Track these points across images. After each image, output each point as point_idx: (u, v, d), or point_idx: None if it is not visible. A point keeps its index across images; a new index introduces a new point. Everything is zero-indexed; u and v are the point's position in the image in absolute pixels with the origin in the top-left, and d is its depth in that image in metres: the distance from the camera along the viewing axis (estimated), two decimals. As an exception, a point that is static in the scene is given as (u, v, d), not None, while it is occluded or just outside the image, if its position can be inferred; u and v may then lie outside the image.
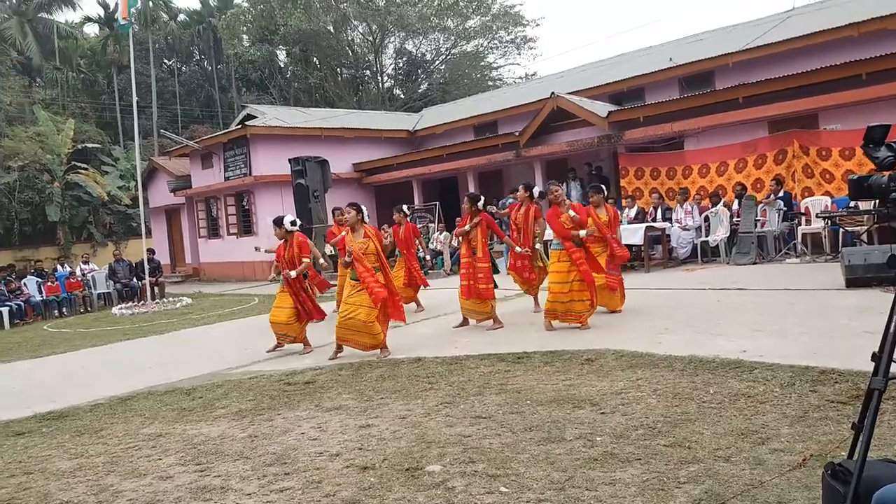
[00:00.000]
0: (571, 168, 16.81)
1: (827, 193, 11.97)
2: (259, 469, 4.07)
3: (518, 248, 8.71)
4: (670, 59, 16.81)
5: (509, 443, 4.06)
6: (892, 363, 2.38)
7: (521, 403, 4.84)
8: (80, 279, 17.46)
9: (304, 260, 7.95)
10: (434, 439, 4.26)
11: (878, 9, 13.62)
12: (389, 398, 5.39)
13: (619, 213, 8.94)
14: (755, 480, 3.21)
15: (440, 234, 16.65)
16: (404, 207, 10.75)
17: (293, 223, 8.26)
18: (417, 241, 10.58)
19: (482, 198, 8.48)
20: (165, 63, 43.40)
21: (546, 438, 4.07)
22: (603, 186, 8.98)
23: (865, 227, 10.50)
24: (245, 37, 41.36)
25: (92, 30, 43.22)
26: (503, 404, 4.86)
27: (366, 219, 7.39)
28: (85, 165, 30.11)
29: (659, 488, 3.25)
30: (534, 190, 9.03)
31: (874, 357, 2.46)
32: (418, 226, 17.45)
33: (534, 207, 8.89)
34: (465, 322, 8.56)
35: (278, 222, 8.18)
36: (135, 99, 16.83)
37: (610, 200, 14.24)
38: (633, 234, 12.42)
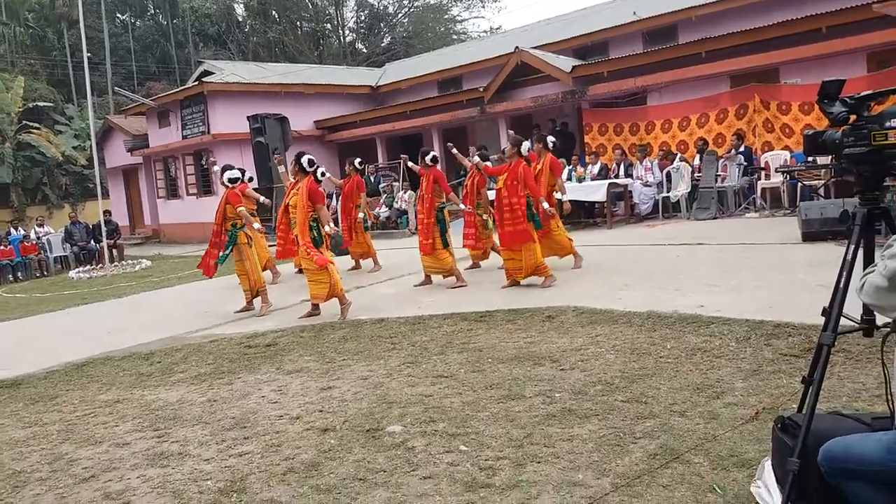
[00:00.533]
0: (536, 124, 16.74)
1: (786, 148, 12.09)
2: (218, 434, 4.03)
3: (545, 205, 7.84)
4: (634, 13, 16.67)
5: (470, 401, 4.08)
6: (842, 318, 2.41)
7: (483, 362, 4.85)
8: (35, 242, 17.01)
9: (239, 209, 8.00)
10: (395, 400, 4.26)
11: (839, -38, 13.64)
12: (351, 359, 5.37)
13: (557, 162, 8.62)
14: (709, 434, 3.27)
15: (404, 192, 16.52)
16: (356, 161, 10.68)
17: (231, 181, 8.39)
18: (360, 197, 10.45)
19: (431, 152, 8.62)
20: (119, 18, 41.82)
21: (506, 396, 4.09)
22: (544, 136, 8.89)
23: (823, 182, 10.66)
24: (201, -11, 40.09)
25: (39, -18, 41.42)
26: (465, 363, 4.87)
27: (308, 171, 7.27)
28: (37, 125, 29.12)
29: (615, 444, 3.29)
30: (547, 139, 8.55)
31: (824, 312, 2.48)
32: (382, 184, 17.33)
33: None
34: (427, 280, 8.56)
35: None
36: (86, 55, 16.20)
37: (574, 157, 14.41)
38: (595, 191, 12.49)
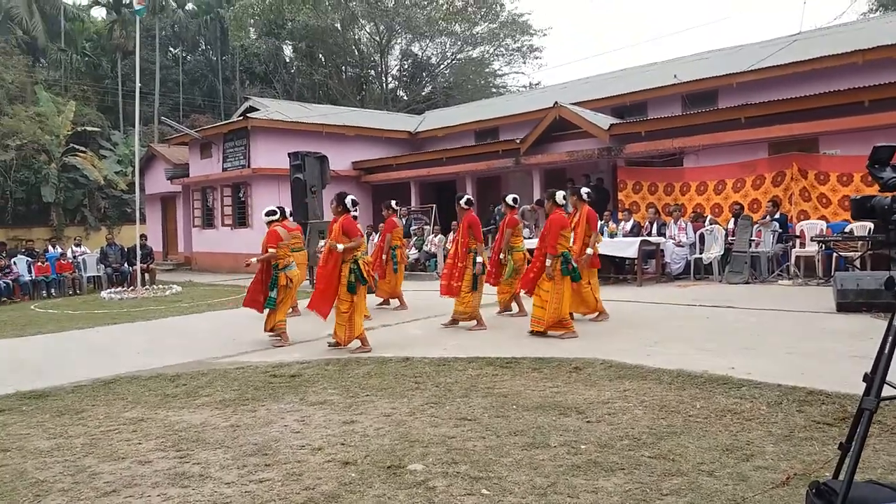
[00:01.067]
0: (570, 178, 16.81)
1: (823, 218, 11.99)
2: (239, 458, 4.02)
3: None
4: (674, 76, 16.84)
5: (493, 446, 4.03)
6: (884, 385, 2.36)
7: (507, 408, 4.80)
8: (70, 261, 17.35)
9: (270, 250, 8.07)
10: (418, 438, 4.23)
11: (882, 37, 13.70)
12: (375, 396, 5.35)
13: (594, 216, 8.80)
14: (738, 496, 3.19)
15: (435, 236, 16.61)
16: (392, 203, 10.85)
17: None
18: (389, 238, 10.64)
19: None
20: (171, 51, 43.33)
21: (530, 444, 4.04)
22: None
23: (859, 253, 10.52)
24: (252, 29, 41.31)
25: (99, 13, 43.18)
26: (489, 408, 4.83)
27: (349, 209, 7.50)
28: (83, 148, 30.00)
29: (641, 499, 3.22)
30: (582, 191, 8.58)
31: (866, 378, 2.44)
32: (413, 226, 17.45)
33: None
34: (454, 321, 8.61)
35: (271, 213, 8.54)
36: (138, 85, 16.76)
37: (606, 213, 14.42)
38: (627, 248, 12.43)
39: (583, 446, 3.96)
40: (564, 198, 7.97)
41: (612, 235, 12.95)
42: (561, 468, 3.64)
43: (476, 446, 4.04)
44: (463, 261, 8.45)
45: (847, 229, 11.23)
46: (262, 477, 3.72)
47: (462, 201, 8.71)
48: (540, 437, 4.15)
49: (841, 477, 2.49)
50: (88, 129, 31.78)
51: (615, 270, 13.13)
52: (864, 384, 2.43)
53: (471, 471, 3.66)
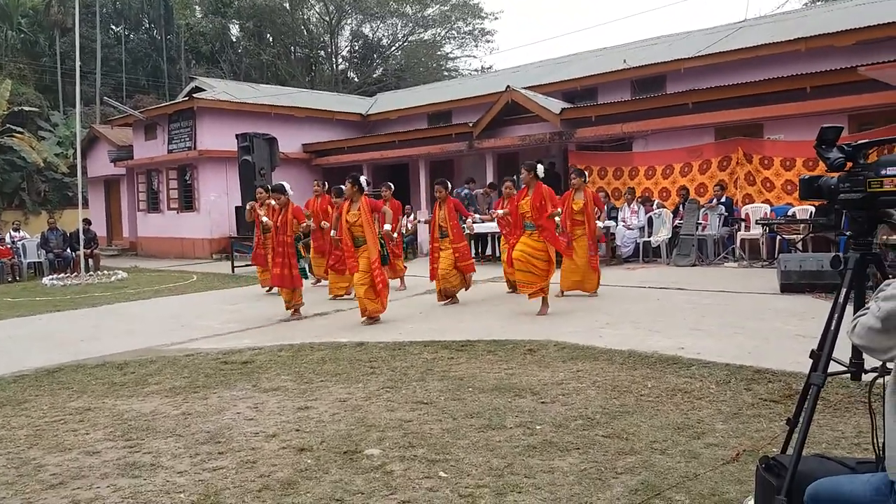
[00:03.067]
0: (523, 162, 16.87)
1: (767, 201, 12.32)
2: (192, 447, 3.95)
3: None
4: (624, 61, 17.02)
5: (450, 429, 4.04)
6: (830, 361, 2.43)
7: (463, 390, 4.82)
8: (9, 246, 16.72)
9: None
10: (374, 423, 4.21)
11: (825, 26, 14.08)
12: (330, 381, 5.31)
13: (599, 196, 9.24)
14: (690, 473, 3.27)
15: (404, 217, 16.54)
16: (390, 185, 11.39)
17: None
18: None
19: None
20: (113, 29, 41.83)
21: (486, 425, 4.06)
22: (583, 171, 9.69)
23: (801, 236, 10.86)
24: (197, 7, 40.29)
25: (35, -12, 41.40)
26: (445, 391, 4.84)
27: (364, 190, 8.03)
28: (21, 129, 28.82)
29: (596, 477, 3.27)
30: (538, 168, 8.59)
31: (813, 354, 2.51)
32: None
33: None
34: (447, 297, 9.04)
35: (280, 189, 8.82)
36: (78, 63, 16.14)
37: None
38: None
39: (538, 427, 4.00)
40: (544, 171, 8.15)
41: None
42: (517, 449, 3.67)
43: (433, 429, 4.05)
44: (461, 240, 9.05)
45: (790, 213, 11.58)
46: (216, 465, 3.66)
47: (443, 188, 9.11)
48: (496, 418, 4.18)
49: (789, 452, 2.57)
50: (26, 109, 30.54)
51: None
52: (811, 361, 2.50)
53: (428, 454, 3.66)
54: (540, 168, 7.99)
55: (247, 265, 15.16)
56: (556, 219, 8.03)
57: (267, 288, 10.88)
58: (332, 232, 8.83)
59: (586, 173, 9.78)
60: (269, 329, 7.91)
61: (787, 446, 2.71)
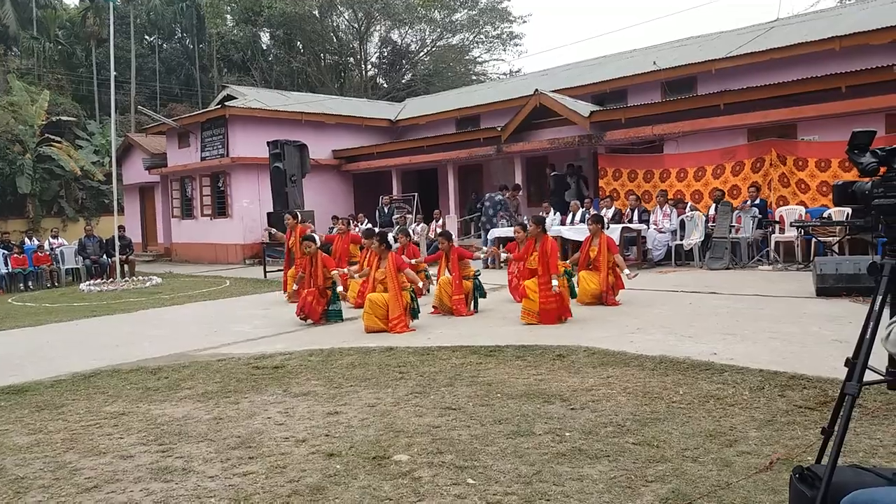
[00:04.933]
0: (551, 164, 16.79)
1: (801, 203, 12.10)
2: (223, 452, 3.99)
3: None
4: (654, 63, 16.87)
5: (478, 435, 4.03)
6: (866, 370, 2.38)
7: (492, 396, 4.81)
8: (48, 253, 17.11)
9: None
10: (402, 429, 4.22)
11: (860, 24, 13.80)
12: (359, 386, 5.33)
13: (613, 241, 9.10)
14: (722, 482, 3.21)
15: (417, 225, 16.57)
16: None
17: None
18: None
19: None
20: (146, 39, 42.66)
21: (515, 432, 4.04)
22: (543, 219, 9.49)
23: (838, 238, 10.64)
24: (229, 16, 40.85)
25: (72, 1, 42.41)
26: (473, 396, 4.83)
27: (392, 247, 8.30)
28: (58, 138, 29.45)
29: (626, 486, 3.24)
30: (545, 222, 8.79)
31: (848, 363, 2.46)
32: (395, 215, 17.39)
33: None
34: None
35: (310, 239, 8.93)
36: (113, 73, 16.50)
37: (587, 200, 14.47)
38: (609, 235, 12.48)
39: (567, 434, 3.97)
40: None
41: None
42: (546, 456, 3.65)
43: (461, 435, 4.04)
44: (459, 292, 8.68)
45: (825, 214, 11.36)
46: (246, 470, 3.70)
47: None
48: (525, 425, 4.16)
49: (824, 461, 2.51)
50: (63, 118, 31.22)
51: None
52: (846, 369, 2.45)
53: (456, 460, 3.66)
54: (548, 220, 8.21)
55: (280, 270, 15.31)
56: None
57: (287, 295, 10.84)
58: (355, 275, 9.28)
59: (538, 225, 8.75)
60: (300, 334, 7.97)
61: (822, 456, 2.65)
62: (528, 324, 7.68)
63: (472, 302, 8.84)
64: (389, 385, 5.31)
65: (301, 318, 8.62)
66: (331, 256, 9.69)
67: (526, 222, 8.81)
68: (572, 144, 15.47)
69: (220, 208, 20.13)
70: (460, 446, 3.86)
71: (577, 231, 12.65)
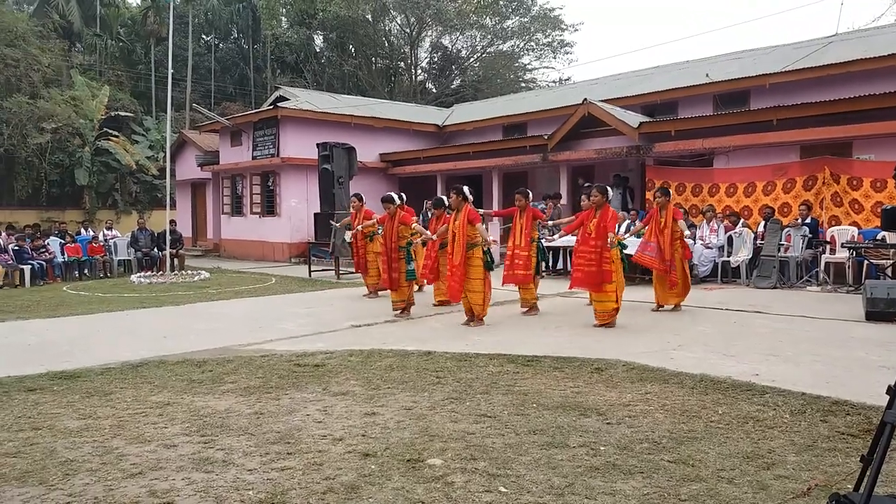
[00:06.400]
0: (616, 174, 16.57)
1: (854, 224, 11.81)
2: (262, 446, 4.09)
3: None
4: (707, 75, 16.66)
5: (512, 444, 4.05)
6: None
7: (527, 406, 4.82)
8: (102, 244, 17.65)
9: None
10: (437, 433, 4.26)
11: (922, 41, 13.42)
12: (396, 389, 5.40)
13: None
14: (757, 504, 3.18)
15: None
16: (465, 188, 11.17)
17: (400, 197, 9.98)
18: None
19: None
20: (203, 38, 43.67)
21: (549, 443, 4.06)
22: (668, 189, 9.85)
23: (891, 261, 10.35)
24: (284, 18, 41.56)
25: (134, 0, 43.68)
26: (509, 405, 4.85)
27: (469, 199, 8.54)
28: (116, 133, 30.41)
29: (659, 503, 3.23)
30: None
31: (889, 390, 2.42)
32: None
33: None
34: (530, 309, 9.32)
35: (389, 199, 9.75)
36: (170, 71, 16.95)
37: (632, 211, 14.33)
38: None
39: (602, 448, 3.96)
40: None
41: (639, 235, 12.83)
42: (579, 469, 3.65)
43: (495, 443, 4.07)
44: (528, 249, 9.11)
45: (879, 236, 11.06)
46: (284, 465, 3.79)
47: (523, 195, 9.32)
48: (559, 436, 4.16)
49: (861, 490, 2.48)
50: (122, 113, 32.20)
51: (641, 271, 13.03)
52: (888, 396, 2.42)
53: (489, 467, 3.69)
54: (610, 191, 8.49)
55: (324, 269, 15.56)
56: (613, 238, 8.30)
57: (368, 292, 11.55)
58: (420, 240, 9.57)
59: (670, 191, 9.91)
60: (342, 334, 8.09)
61: (861, 484, 2.61)
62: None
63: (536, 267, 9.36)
64: (426, 389, 5.36)
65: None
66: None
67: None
68: (620, 155, 15.36)
69: (269, 207, 20.51)
70: (494, 454, 3.89)
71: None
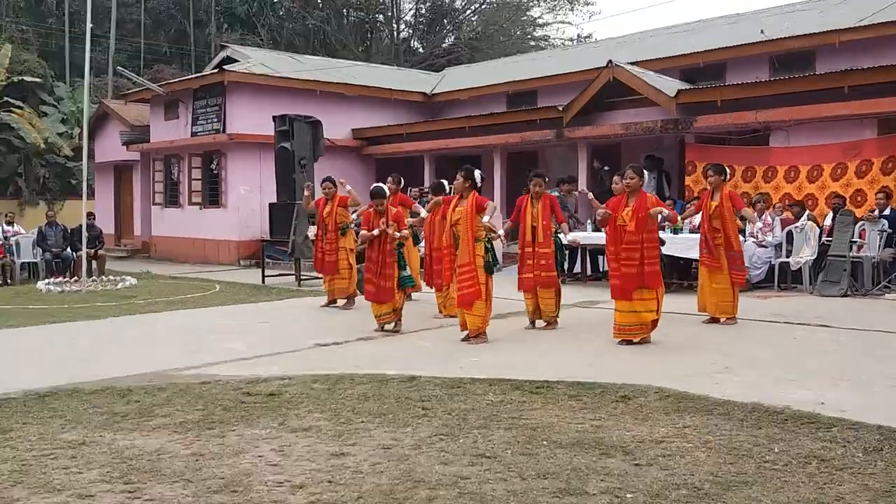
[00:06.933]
0: (648, 154, 16.60)
1: (946, 216, 11.90)
2: (202, 496, 4.08)
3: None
4: (762, 32, 16.74)
5: (517, 491, 4.05)
6: None
7: (536, 444, 4.83)
8: (1, 244, 17.56)
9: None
10: (423, 478, 4.26)
11: None
12: (372, 423, 5.40)
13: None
14: (822, 565, 3.19)
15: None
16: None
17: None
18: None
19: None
20: (131, -15, 43.65)
21: (563, 490, 4.06)
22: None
23: None
24: (232, -41, 41.49)
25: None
26: (513, 443, 4.86)
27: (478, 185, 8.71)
28: (20, 104, 30.22)
29: (700, 564, 3.23)
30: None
31: None
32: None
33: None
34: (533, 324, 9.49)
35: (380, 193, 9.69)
36: (89, 26, 16.78)
37: (668, 200, 14.35)
38: (693, 246, 12.24)
39: (629, 495, 3.97)
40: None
41: (675, 231, 12.81)
42: (600, 522, 3.66)
43: (495, 490, 4.07)
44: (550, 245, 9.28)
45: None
46: (229, 519, 3.78)
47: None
48: (576, 481, 4.17)
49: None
50: (27, 79, 31.98)
51: (679, 276, 13.09)
52: None
53: (488, 521, 3.69)
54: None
55: (281, 274, 15.53)
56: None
57: (328, 301, 11.70)
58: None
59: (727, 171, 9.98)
60: (304, 354, 8.09)
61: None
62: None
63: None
64: (409, 423, 5.36)
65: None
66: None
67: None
68: (653, 130, 15.42)
69: (213, 196, 20.49)
70: (494, 504, 3.89)
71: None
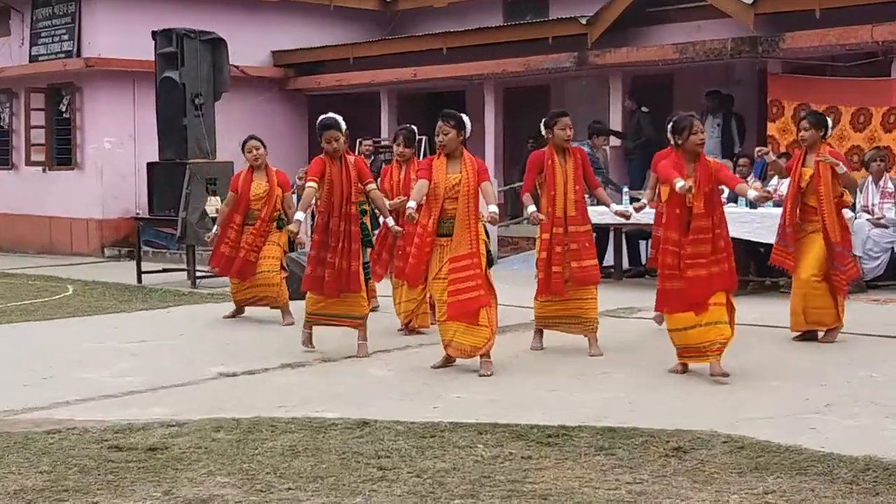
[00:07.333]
0: (712, 90, 16.57)
1: None
2: None
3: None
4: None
5: None
6: None
7: (548, 521, 4.85)
8: None
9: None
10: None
11: None
12: (303, 490, 5.36)
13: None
14: None
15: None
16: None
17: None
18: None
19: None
20: None
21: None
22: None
23: None
24: None
25: None
26: (514, 521, 4.87)
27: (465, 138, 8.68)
28: None
29: None
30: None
31: None
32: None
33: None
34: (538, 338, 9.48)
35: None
36: None
37: (741, 158, 14.39)
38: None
39: None
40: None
41: (752, 205, 12.56)
42: None
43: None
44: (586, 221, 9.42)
45: None
46: None
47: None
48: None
49: None
50: None
51: (756, 269, 13.07)
52: None
53: None
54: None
55: (167, 269, 15.47)
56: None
57: (234, 311, 11.83)
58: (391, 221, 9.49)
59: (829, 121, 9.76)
60: (201, 389, 8.06)
61: None
62: None
63: None
64: (359, 491, 5.34)
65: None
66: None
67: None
68: (720, 54, 15.43)
69: (63, 152, 20.34)
70: None
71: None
